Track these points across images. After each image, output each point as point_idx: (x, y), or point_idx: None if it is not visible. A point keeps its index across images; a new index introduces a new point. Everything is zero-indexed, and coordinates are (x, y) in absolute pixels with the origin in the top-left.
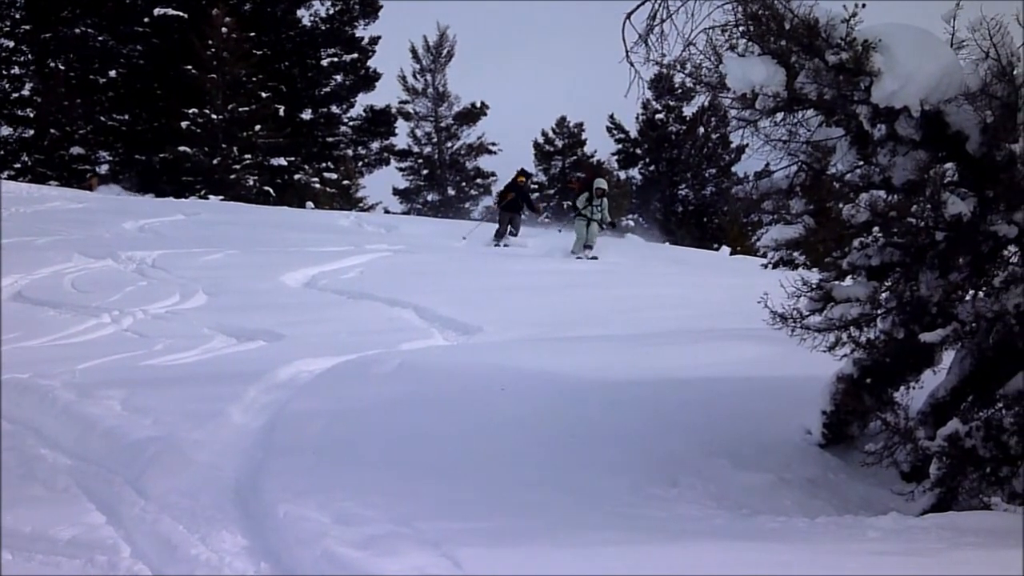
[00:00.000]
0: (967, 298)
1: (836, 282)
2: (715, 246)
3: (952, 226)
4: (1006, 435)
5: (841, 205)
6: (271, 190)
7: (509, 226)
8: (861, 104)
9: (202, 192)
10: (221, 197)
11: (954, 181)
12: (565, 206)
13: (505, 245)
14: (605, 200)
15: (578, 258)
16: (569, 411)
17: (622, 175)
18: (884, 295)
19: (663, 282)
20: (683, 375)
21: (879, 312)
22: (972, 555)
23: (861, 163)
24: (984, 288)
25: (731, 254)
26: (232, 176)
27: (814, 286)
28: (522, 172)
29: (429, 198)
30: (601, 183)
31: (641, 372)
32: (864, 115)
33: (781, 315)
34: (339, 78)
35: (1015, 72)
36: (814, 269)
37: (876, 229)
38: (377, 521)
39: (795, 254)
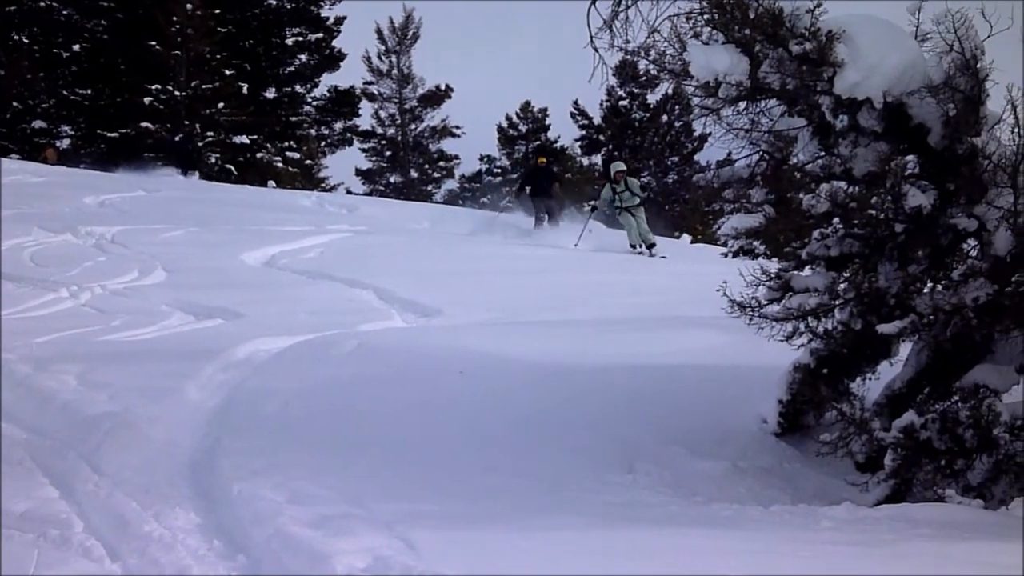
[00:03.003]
0: (925, 290)
1: (795, 272)
2: (676, 234)
3: (912, 218)
4: (961, 428)
5: (801, 195)
6: (233, 168)
7: (545, 215)
8: (823, 95)
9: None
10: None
11: (915, 173)
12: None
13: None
14: (629, 179)
15: (639, 253)
16: (527, 395)
17: (585, 161)
18: (842, 286)
19: (623, 269)
20: (642, 362)
21: (837, 303)
22: (925, 547)
23: (822, 154)
24: (943, 281)
25: (692, 242)
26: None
27: (773, 275)
28: (541, 151)
29: (392, 180)
30: (618, 165)
31: (600, 358)
32: (826, 106)
33: (740, 304)
34: (304, 57)
35: (978, 65)
36: (773, 259)
37: (836, 220)
38: (331, 501)
39: (755, 243)
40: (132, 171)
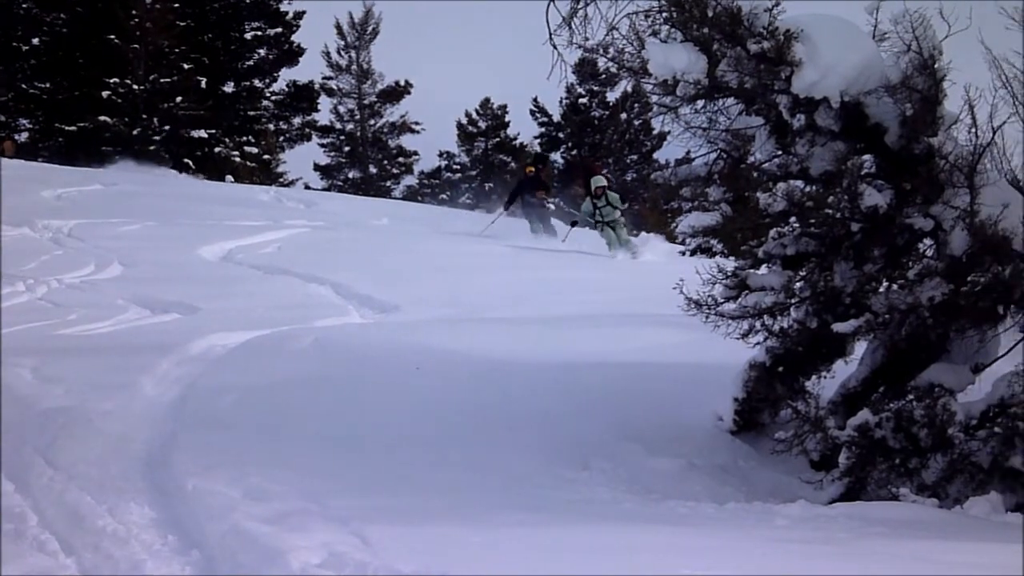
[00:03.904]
0: (881, 290)
1: (751, 270)
2: (634, 232)
3: (868, 218)
4: (916, 427)
5: (758, 194)
6: (191, 162)
7: (540, 224)
8: (781, 94)
9: (116, 159)
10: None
11: (872, 173)
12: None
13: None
14: (609, 193)
15: (633, 258)
16: (484, 392)
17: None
18: (798, 284)
19: (584, 266)
20: (600, 359)
21: (793, 301)
22: (879, 545)
23: (780, 153)
24: (898, 280)
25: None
26: (152, 147)
27: (729, 274)
28: (530, 162)
29: (350, 175)
30: (599, 180)
31: (558, 355)
32: (784, 105)
33: (696, 302)
34: (262, 52)
35: (936, 65)
36: (730, 257)
37: (792, 219)
38: (287, 497)
39: (712, 241)
40: (115, 165)
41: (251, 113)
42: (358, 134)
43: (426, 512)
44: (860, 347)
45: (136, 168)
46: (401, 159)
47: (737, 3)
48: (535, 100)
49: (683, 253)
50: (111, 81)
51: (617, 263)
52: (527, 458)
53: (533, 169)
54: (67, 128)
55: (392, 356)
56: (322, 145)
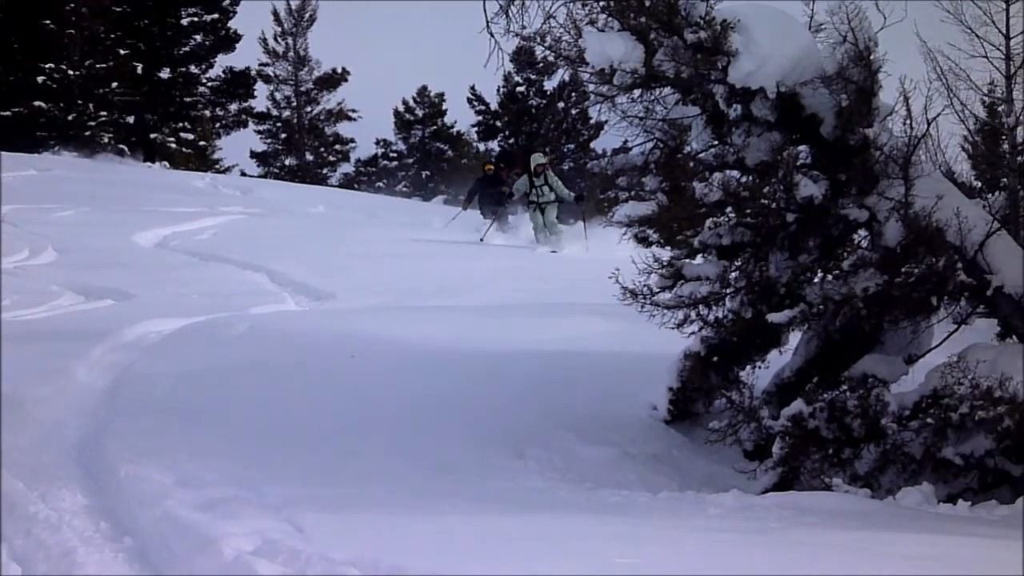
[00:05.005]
0: (815, 280)
1: (687, 260)
2: (570, 221)
3: (803, 208)
4: (849, 417)
5: (695, 184)
6: (126, 148)
7: (494, 220)
8: (718, 83)
9: (55, 148)
10: (75, 154)
11: (807, 164)
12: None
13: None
14: (550, 175)
15: (552, 251)
16: (419, 380)
17: (481, 147)
18: (734, 274)
19: (518, 255)
20: (536, 348)
21: (728, 291)
22: (812, 534)
23: (716, 142)
24: (833, 271)
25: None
26: (87, 133)
27: (665, 263)
28: (488, 160)
29: (287, 162)
30: (537, 158)
31: (494, 344)
32: (720, 95)
33: (632, 291)
34: (199, 38)
35: (871, 57)
36: (667, 246)
37: (728, 209)
38: (220, 484)
39: (648, 231)
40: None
41: (187, 99)
42: (294, 121)
43: (360, 500)
44: (795, 337)
45: (73, 154)
46: (338, 147)
47: None
48: (472, 88)
49: (618, 242)
50: (46, 66)
51: (549, 253)
52: (461, 447)
53: (492, 167)
54: (2, 113)
55: (327, 344)
56: (258, 132)
